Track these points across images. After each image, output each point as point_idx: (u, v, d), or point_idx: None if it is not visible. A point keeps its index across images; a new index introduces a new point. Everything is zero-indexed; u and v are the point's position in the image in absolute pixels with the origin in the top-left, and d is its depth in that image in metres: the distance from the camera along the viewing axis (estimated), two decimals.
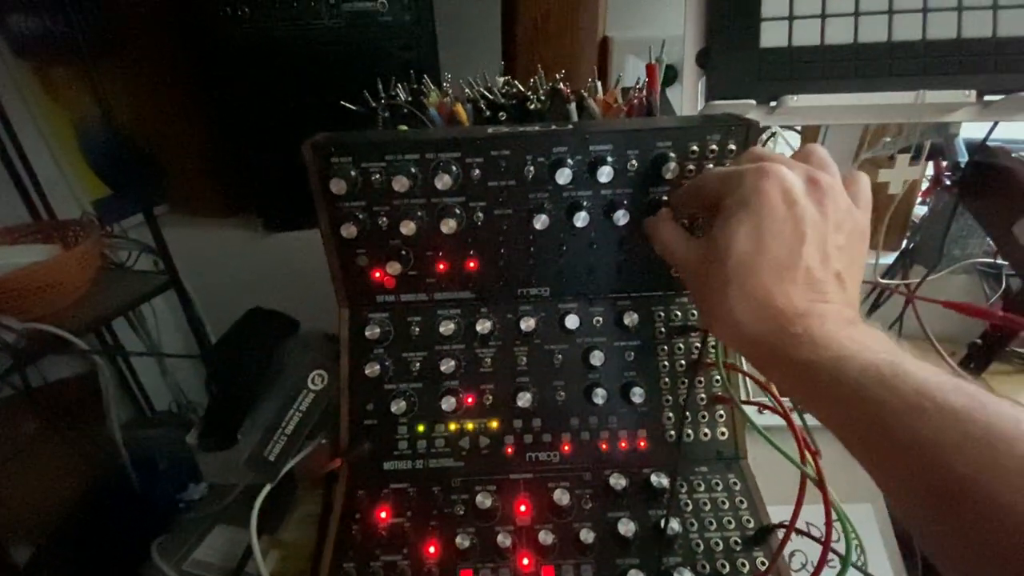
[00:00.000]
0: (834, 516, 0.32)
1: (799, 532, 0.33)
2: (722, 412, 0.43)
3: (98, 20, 0.89)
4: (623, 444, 0.43)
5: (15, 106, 0.83)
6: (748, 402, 0.37)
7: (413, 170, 0.39)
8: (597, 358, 0.42)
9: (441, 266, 0.43)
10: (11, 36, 0.85)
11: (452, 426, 0.43)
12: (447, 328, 0.43)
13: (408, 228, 0.40)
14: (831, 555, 0.32)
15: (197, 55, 0.90)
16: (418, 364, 0.44)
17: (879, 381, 0.23)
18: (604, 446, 0.42)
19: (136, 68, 0.94)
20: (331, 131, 0.42)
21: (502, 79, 0.50)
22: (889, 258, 0.75)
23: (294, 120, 0.87)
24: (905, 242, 0.77)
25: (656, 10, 0.88)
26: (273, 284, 0.83)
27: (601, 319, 0.44)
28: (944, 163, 0.57)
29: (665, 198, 0.40)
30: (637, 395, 0.42)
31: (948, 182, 0.56)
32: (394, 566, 0.38)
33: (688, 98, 0.47)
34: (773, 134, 1.00)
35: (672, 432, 0.43)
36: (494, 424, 0.43)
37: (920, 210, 0.80)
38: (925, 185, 0.72)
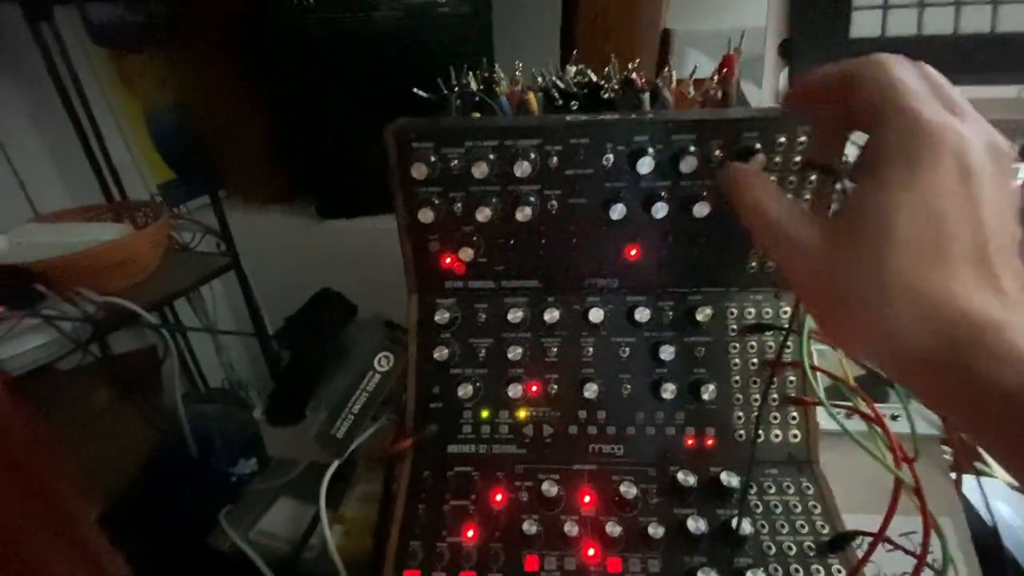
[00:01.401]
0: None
1: (891, 543, 0.31)
2: (795, 414, 0.42)
3: (171, 10, 0.93)
4: (690, 441, 0.42)
5: (93, 92, 0.88)
6: (838, 405, 0.36)
7: (492, 156, 0.39)
8: (667, 352, 0.42)
9: (511, 254, 0.43)
10: (91, 25, 0.89)
11: (517, 413, 0.43)
12: (515, 316, 0.43)
13: (483, 215, 0.40)
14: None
15: (259, 44, 0.92)
16: (484, 350, 0.44)
17: None
18: (670, 442, 0.42)
19: (202, 57, 0.97)
20: (392, 120, 0.41)
21: (574, 68, 0.49)
22: None
23: (350, 110, 0.89)
24: None
25: (719, 2, 0.86)
26: (326, 270, 0.85)
27: (671, 313, 0.43)
28: None
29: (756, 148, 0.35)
30: (707, 392, 0.41)
31: None
32: (460, 547, 0.38)
33: (768, 90, 0.46)
34: None
35: (741, 432, 0.42)
36: (558, 414, 0.43)
37: None
38: None
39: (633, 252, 0.42)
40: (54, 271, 0.64)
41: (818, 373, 0.40)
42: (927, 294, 0.22)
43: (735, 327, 0.43)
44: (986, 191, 0.22)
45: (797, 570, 0.36)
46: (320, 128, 0.93)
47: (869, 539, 0.33)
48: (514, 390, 0.42)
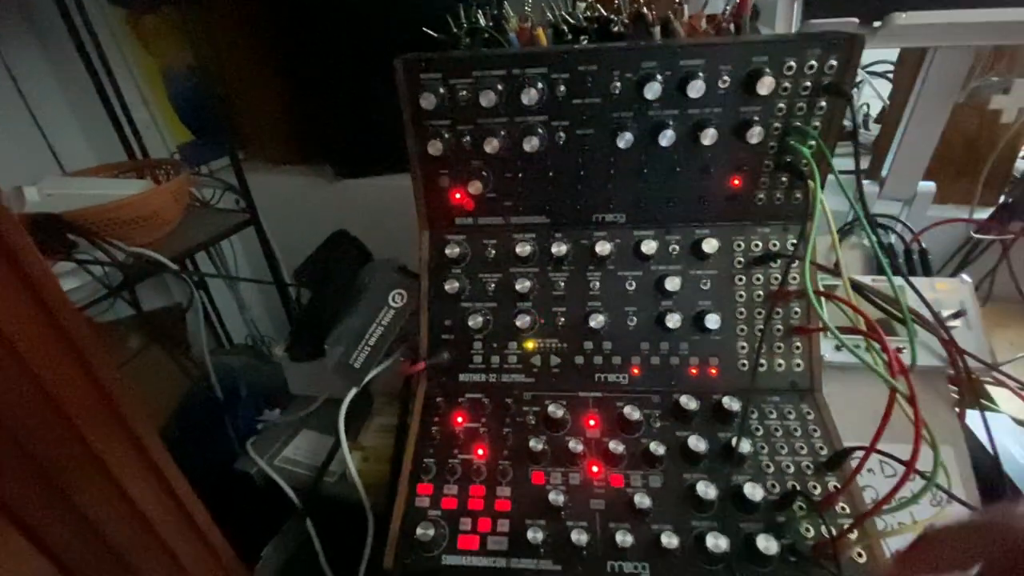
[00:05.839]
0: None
1: (881, 453, 0.32)
2: (799, 344, 0.43)
3: None
4: (693, 370, 0.43)
5: (112, 52, 0.89)
6: (845, 329, 0.36)
7: (499, 86, 0.40)
8: (672, 284, 0.42)
9: (519, 189, 0.44)
10: None
11: (525, 344, 0.45)
12: (523, 250, 0.44)
13: (491, 146, 0.41)
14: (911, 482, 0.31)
15: (274, 5, 0.92)
16: (493, 284, 0.45)
17: None
18: (674, 372, 0.43)
19: (216, 17, 0.98)
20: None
21: (584, 3, 0.49)
22: (985, 213, 0.69)
23: (363, 73, 0.89)
24: (1003, 197, 0.71)
25: None
26: (341, 226, 0.87)
27: (677, 247, 0.44)
28: None
29: None
30: (712, 322, 0.42)
31: None
32: (470, 463, 0.40)
33: (783, 19, 0.45)
34: (860, 82, 0.93)
35: (745, 362, 0.43)
36: (565, 344, 0.44)
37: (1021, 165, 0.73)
38: None
39: (640, 185, 0.43)
40: (83, 222, 0.66)
41: (823, 300, 0.40)
42: None
43: (741, 260, 0.43)
44: None
45: (794, 487, 0.37)
46: (334, 89, 0.93)
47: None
48: (522, 321, 0.44)
